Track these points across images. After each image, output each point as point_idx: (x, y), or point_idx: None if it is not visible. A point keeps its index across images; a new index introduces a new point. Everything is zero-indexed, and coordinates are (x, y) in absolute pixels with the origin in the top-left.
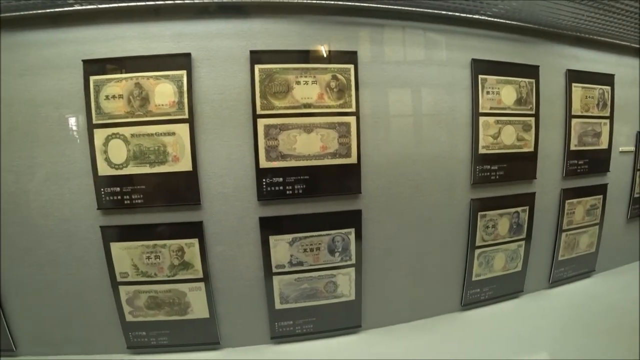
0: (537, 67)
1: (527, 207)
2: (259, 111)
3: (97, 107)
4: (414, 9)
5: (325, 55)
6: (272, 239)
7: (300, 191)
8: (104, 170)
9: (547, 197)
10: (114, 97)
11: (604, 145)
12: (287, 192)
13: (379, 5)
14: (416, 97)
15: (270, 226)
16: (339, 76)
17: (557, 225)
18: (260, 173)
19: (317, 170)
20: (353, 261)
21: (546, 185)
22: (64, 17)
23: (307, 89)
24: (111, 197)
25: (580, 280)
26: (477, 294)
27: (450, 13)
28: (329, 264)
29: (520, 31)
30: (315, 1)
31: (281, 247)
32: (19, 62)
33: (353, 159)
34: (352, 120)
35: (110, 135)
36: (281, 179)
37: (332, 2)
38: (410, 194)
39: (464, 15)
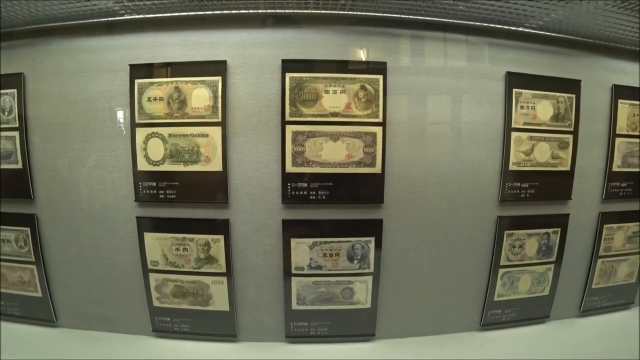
0: (578, 82)
1: (559, 229)
2: (287, 118)
3: (139, 108)
4: (453, 20)
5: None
6: (294, 241)
7: (324, 197)
8: (142, 165)
9: (583, 219)
10: (155, 99)
11: None
12: (311, 197)
13: (412, 17)
14: (445, 110)
15: (292, 229)
16: (368, 86)
17: (592, 250)
18: (286, 177)
19: (341, 178)
20: (371, 269)
21: (582, 207)
22: (114, 25)
23: (336, 98)
24: (148, 191)
25: (617, 312)
26: (498, 315)
27: (492, 25)
28: (347, 270)
29: (561, 43)
30: (345, 12)
31: (301, 249)
32: (75, 65)
33: (377, 169)
34: (378, 130)
35: (150, 134)
36: (305, 184)
37: (364, 14)
38: (434, 207)
39: (506, 27)
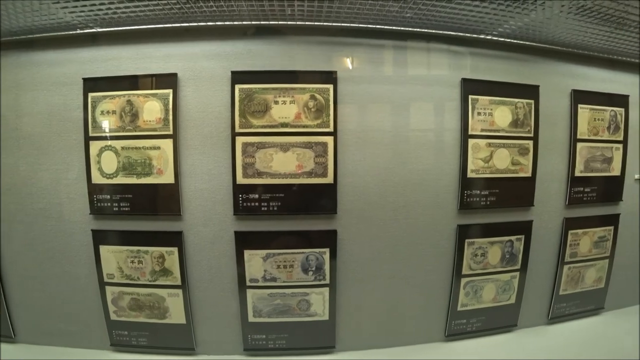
0: (536, 87)
1: (522, 236)
2: (237, 129)
3: (93, 121)
4: (403, 28)
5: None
6: (247, 253)
7: (275, 208)
8: (97, 178)
9: (547, 225)
10: (108, 112)
11: (615, 171)
12: (263, 208)
13: (363, 26)
14: (400, 118)
15: (245, 240)
16: (318, 96)
17: (558, 256)
18: (237, 189)
19: (292, 189)
20: (327, 281)
21: (546, 213)
22: (68, 39)
23: (285, 109)
24: (102, 204)
25: (586, 317)
26: (463, 325)
27: (452, 33)
28: (302, 282)
29: (518, 49)
30: (295, 23)
31: (255, 261)
32: (30, 78)
33: (329, 179)
34: (329, 140)
35: (104, 147)
36: (257, 196)
37: (313, 24)
38: (390, 216)
39: (467, 35)
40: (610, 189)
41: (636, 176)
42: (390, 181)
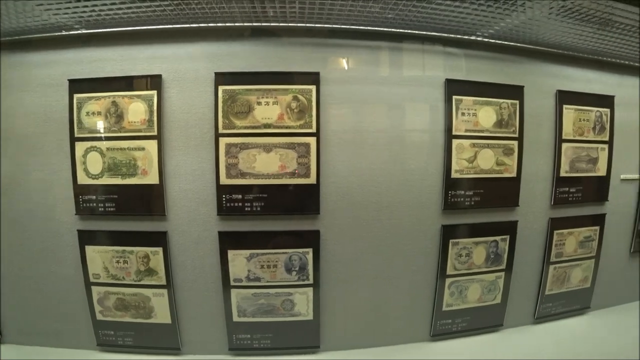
0: (521, 88)
1: (507, 236)
2: (220, 130)
3: (78, 122)
4: (392, 29)
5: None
6: (231, 253)
7: (259, 208)
8: (82, 179)
9: (533, 226)
10: (93, 113)
11: (601, 172)
12: (246, 208)
13: (345, 27)
14: (383, 118)
15: (228, 240)
16: (300, 97)
17: (544, 256)
18: (221, 189)
19: (275, 189)
20: (311, 281)
21: (531, 213)
22: (54, 41)
23: (268, 110)
24: (88, 204)
25: (572, 317)
26: (448, 325)
27: (445, 35)
28: (285, 282)
29: (503, 50)
30: (278, 24)
31: (239, 261)
32: (17, 80)
33: (312, 180)
34: (312, 140)
35: (89, 148)
36: (240, 196)
37: (296, 25)
38: (374, 217)
39: (452, 36)
40: (596, 189)
41: (622, 176)
42: (373, 181)
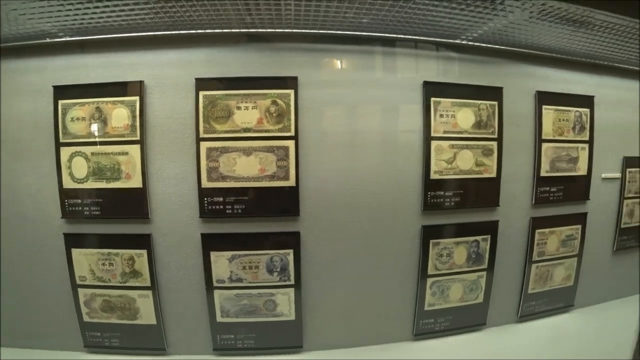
0: (500, 89)
1: (488, 236)
2: (201, 135)
3: (63, 128)
4: (368, 33)
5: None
6: (213, 255)
7: (240, 211)
8: (68, 183)
9: (514, 225)
10: (77, 119)
11: (582, 171)
12: (227, 211)
13: (324, 32)
14: (361, 121)
15: (211, 242)
16: (279, 101)
17: (526, 255)
18: (202, 192)
19: (256, 192)
20: (292, 282)
21: (512, 213)
22: (39, 48)
23: (247, 114)
24: (73, 208)
25: (556, 315)
26: (431, 324)
27: (415, 37)
28: (267, 283)
29: (481, 52)
30: (256, 30)
31: (221, 262)
32: (3, 86)
33: (291, 182)
34: (290, 144)
35: (74, 153)
36: (221, 199)
37: (274, 31)
38: (352, 218)
39: (431, 39)
40: (577, 188)
41: (603, 175)
42: (352, 183)
